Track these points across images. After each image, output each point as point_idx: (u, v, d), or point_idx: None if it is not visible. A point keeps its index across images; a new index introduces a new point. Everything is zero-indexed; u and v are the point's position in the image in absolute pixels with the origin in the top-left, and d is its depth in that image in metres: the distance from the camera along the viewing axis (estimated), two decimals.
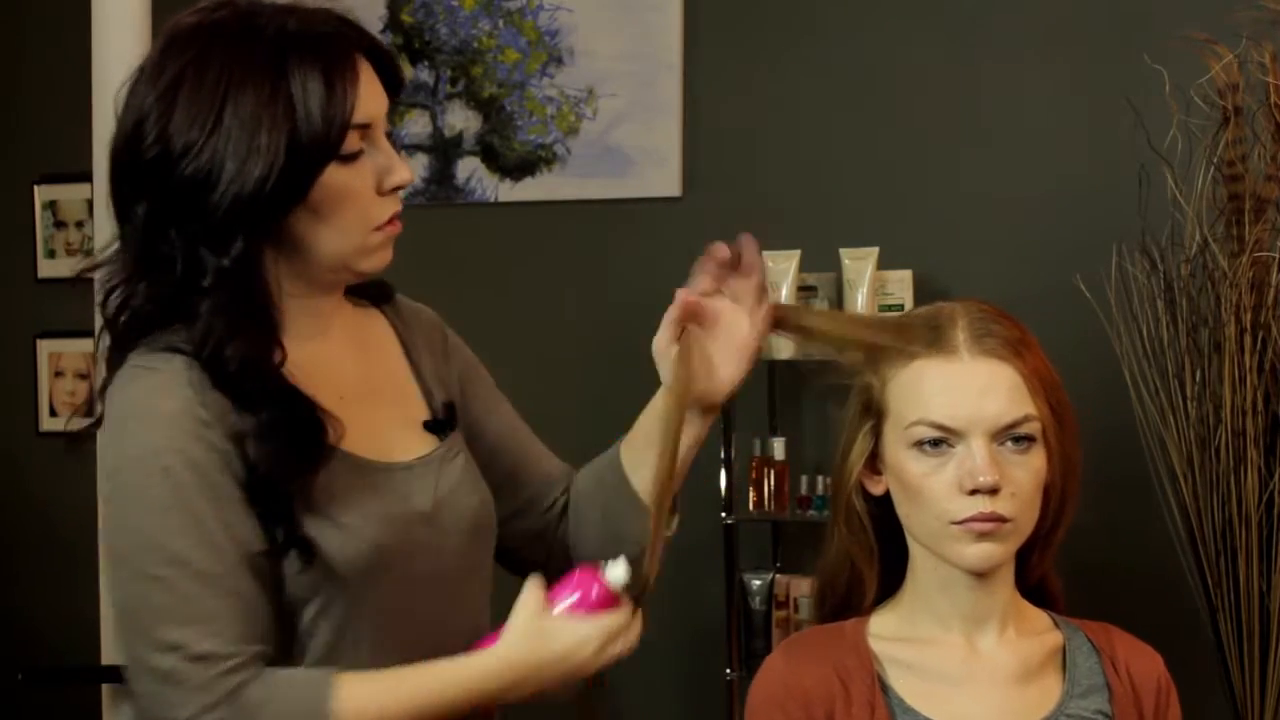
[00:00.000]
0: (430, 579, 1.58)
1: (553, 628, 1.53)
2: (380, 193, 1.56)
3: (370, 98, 1.55)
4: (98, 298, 1.57)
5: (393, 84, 1.60)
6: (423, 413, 1.68)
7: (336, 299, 1.65)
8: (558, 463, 1.84)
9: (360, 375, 1.65)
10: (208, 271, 1.50)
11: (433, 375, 1.73)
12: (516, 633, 1.53)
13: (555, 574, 1.60)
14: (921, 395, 1.53)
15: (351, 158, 1.53)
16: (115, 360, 1.54)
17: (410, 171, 1.59)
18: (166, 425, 1.47)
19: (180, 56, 1.51)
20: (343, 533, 1.51)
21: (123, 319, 1.53)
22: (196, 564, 1.44)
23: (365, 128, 1.54)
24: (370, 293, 1.72)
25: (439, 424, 1.68)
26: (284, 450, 1.49)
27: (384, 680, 1.49)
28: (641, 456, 1.69)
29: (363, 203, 1.55)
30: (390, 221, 1.58)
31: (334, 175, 1.52)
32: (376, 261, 1.59)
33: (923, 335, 1.55)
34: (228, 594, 1.45)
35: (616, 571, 1.54)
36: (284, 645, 1.51)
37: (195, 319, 1.50)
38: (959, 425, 1.50)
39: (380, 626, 1.54)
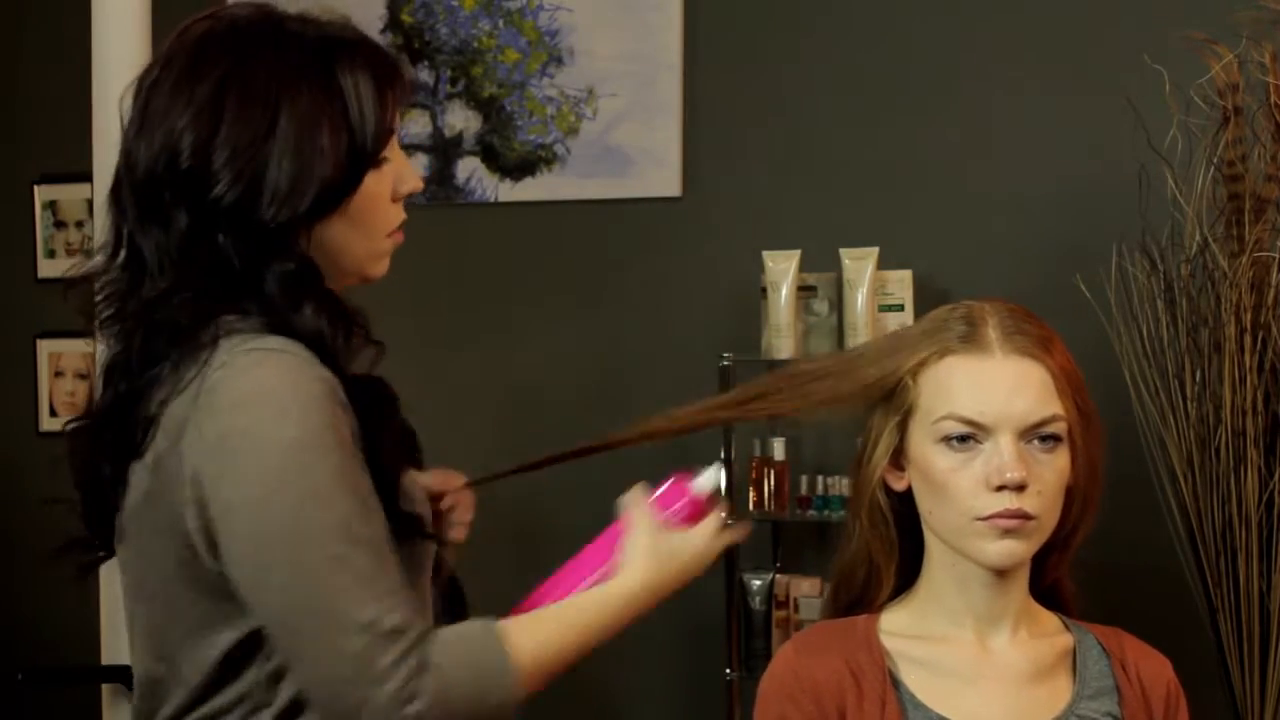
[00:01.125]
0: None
1: (677, 545, 1.62)
2: (394, 199, 1.59)
3: (402, 110, 1.60)
4: (96, 298, 1.55)
5: None
6: None
7: None
8: None
9: None
10: (268, 275, 1.49)
11: None
12: (647, 554, 1.60)
13: None
14: (951, 390, 1.53)
15: (380, 163, 1.56)
16: (171, 349, 1.49)
17: (420, 180, 1.63)
18: (318, 405, 1.44)
19: (219, 60, 1.50)
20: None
21: (157, 317, 1.50)
22: (371, 539, 1.44)
23: (391, 133, 1.57)
24: None
25: None
26: (398, 442, 1.54)
27: (542, 622, 1.54)
28: None
29: (383, 208, 1.58)
30: (398, 231, 1.62)
31: (367, 179, 1.55)
32: (383, 268, 1.62)
33: (954, 333, 1.55)
34: (396, 566, 1.46)
35: (707, 481, 1.67)
36: None
37: (250, 314, 1.49)
38: (988, 421, 1.51)
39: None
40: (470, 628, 1.50)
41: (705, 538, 1.64)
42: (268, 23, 1.53)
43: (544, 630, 1.52)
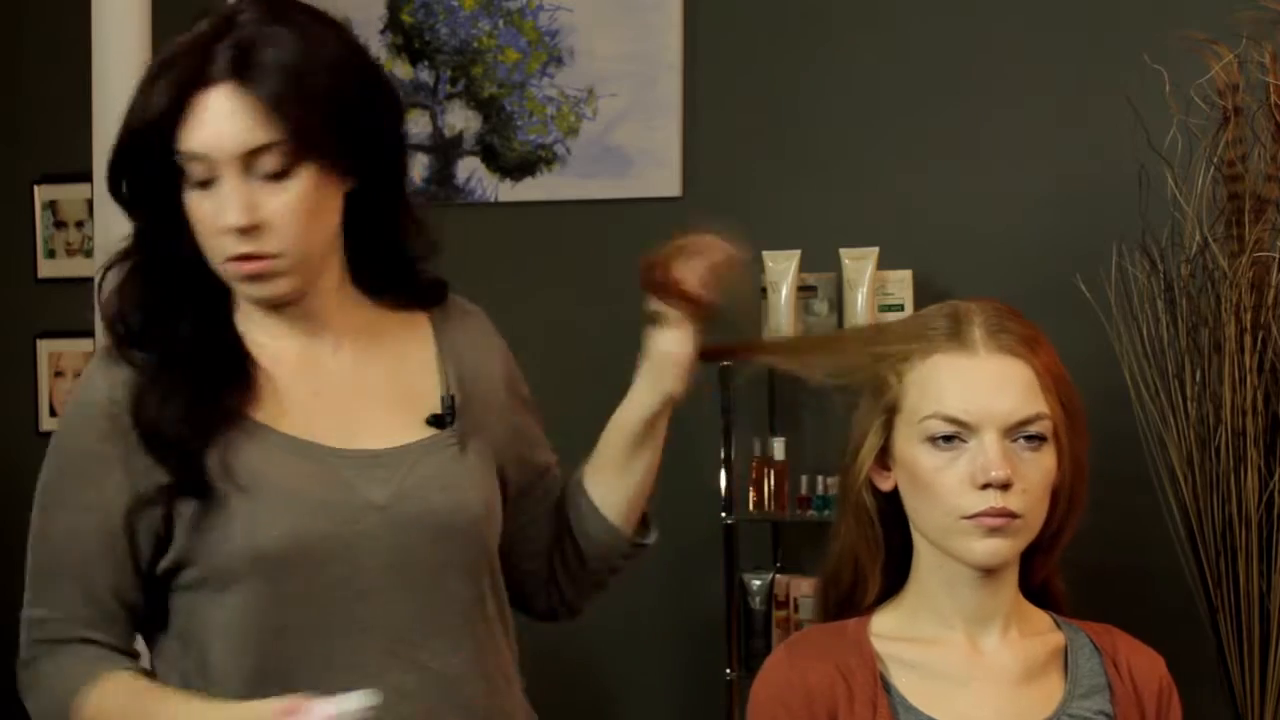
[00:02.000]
0: (386, 575, 1.58)
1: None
2: (216, 231, 1.55)
3: (215, 131, 1.53)
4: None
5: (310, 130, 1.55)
6: (434, 409, 1.68)
7: (336, 302, 1.65)
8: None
9: (350, 372, 1.65)
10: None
11: (459, 374, 1.72)
12: (251, 711, 1.47)
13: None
14: (936, 389, 1.53)
15: (201, 185, 1.55)
16: None
17: (235, 216, 1.52)
18: (77, 414, 1.62)
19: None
20: (267, 511, 1.54)
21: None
22: (53, 541, 1.59)
23: (203, 159, 1.53)
24: (421, 294, 1.76)
25: (438, 418, 1.67)
26: (172, 406, 1.55)
27: (131, 696, 1.56)
28: (602, 476, 1.83)
29: (205, 233, 1.56)
30: (238, 260, 1.55)
31: (189, 198, 1.56)
32: (242, 292, 1.60)
33: (939, 332, 1.55)
34: (74, 579, 1.57)
35: (345, 707, 1.42)
36: (192, 633, 1.57)
37: None
38: (972, 420, 1.50)
39: (315, 618, 1.54)
40: (84, 668, 1.57)
41: None
42: (203, 16, 1.58)
43: (124, 704, 1.55)
